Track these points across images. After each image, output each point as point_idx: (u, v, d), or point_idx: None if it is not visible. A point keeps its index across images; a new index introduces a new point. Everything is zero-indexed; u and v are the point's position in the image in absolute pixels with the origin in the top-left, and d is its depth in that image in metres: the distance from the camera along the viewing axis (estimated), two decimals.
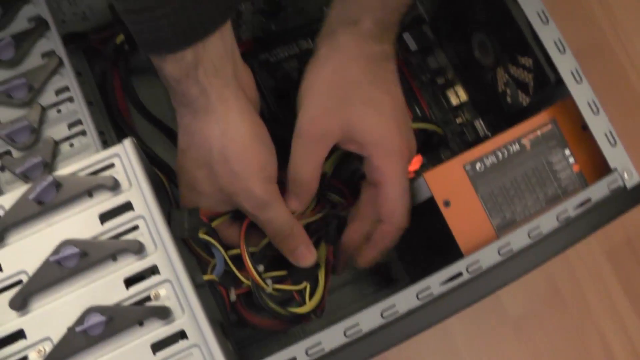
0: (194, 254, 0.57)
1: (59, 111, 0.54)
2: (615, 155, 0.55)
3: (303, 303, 0.58)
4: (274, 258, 0.58)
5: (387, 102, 0.54)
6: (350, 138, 0.54)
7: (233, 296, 0.57)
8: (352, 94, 0.53)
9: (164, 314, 0.46)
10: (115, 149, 0.50)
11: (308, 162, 0.54)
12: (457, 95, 0.75)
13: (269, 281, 0.56)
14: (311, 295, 0.59)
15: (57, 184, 0.48)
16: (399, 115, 0.55)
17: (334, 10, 0.56)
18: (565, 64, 0.56)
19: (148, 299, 0.47)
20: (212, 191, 0.53)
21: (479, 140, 0.73)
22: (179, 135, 0.53)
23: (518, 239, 0.52)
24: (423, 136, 0.69)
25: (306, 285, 0.58)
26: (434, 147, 0.72)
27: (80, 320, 0.45)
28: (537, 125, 0.58)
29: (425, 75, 0.76)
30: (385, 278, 0.71)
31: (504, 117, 0.68)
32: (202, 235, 0.54)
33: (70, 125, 0.53)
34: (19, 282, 0.46)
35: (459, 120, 0.75)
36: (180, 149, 0.54)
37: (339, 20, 0.55)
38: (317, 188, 0.56)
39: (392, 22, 0.54)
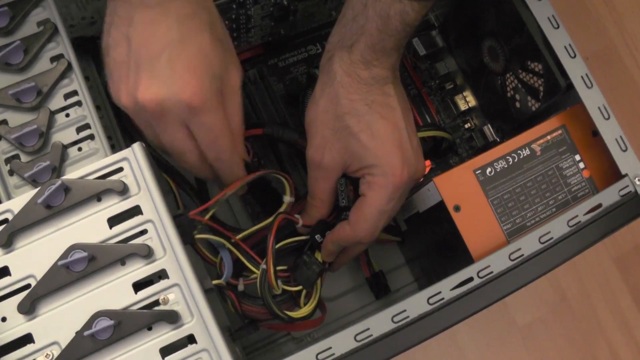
0: (200, 255, 0.57)
1: (67, 115, 0.53)
2: (626, 160, 0.55)
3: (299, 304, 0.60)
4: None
5: (381, 125, 0.54)
6: (351, 164, 0.55)
7: (241, 286, 0.58)
8: (347, 123, 0.54)
9: (172, 318, 0.46)
10: (124, 153, 0.49)
11: (317, 185, 0.57)
12: (466, 101, 0.75)
13: (279, 281, 0.57)
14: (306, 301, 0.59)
15: (66, 188, 0.47)
16: (396, 137, 0.54)
17: (335, 31, 0.56)
18: (575, 69, 0.56)
19: (157, 303, 0.47)
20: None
21: (487, 145, 0.73)
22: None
23: (529, 244, 0.51)
24: (431, 142, 0.69)
25: (302, 290, 0.59)
26: (442, 153, 0.72)
27: (89, 324, 0.45)
28: (547, 130, 0.58)
29: (434, 80, 0.76)
30: (382, 288, 0.71)
31: (512, 123, 0.68)
32: (212, 237, 0.55)
33: (79, 130, 0.53)
34: (28, 286, 0.46)
35: (467, 126, 0.75)
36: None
37: (337, 43, 0.55)
38: (331, 206, 0.58)
39: (389, 47, 0.53)
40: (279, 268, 0.58)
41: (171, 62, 0.49)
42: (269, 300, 0.56)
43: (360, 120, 0.53)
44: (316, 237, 0.59)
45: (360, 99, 0.53)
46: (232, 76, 0.52)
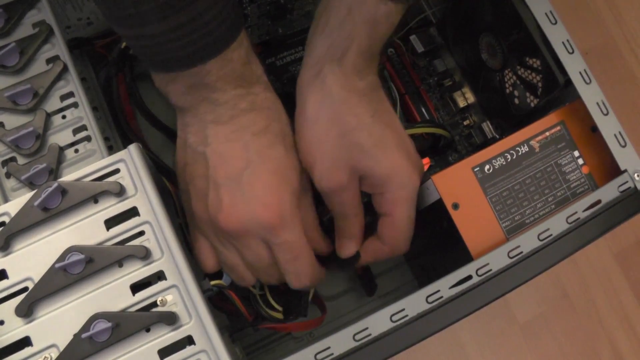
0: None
1: (63, 117, 0.53)
2: (625, 156, 0.54)
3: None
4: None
5: (389, 135, 0.52)
6: (363, 181, 0.53)
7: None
8: (358, 140, 0.51)
9: (170, 319, 0.46)
10: (121, 154, 0.49)
11: (347, 206, 0.54)
12: (465, 98, 0.74)
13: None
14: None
15: (63, 191, 0.47)
16: (403, 143, 0.53)
17: (317, 43, 0.52)
18: (574, 65, 0.56)
19: (155, 304, 0.47)
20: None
21: (486, 142, 0.72)
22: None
23: (528, 241, 0.51)
24: (430, 139, 0.68)
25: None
26: (441, 150, 0.72)
27: (86, 326, 0.45)
28: (545, 127, 0.57)
29: (432, 77, 0.76)
30: (369, 287, 0.71)
31: (511, 119, 0.68)
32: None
33: (75, 131, 0.53)
34: (25, 289, 0.46)
35: (466, 123, 0.75)
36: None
37: (323, 56, 0.51)
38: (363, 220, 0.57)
39: (377, 52, 0.52)
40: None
41: (250, 183, 0.49)
42: (258, 300, 0.57)
43: (371, 134, 0.51)
44: None
45: (365, 111, 0.51)
46: (303, 179, 0.53)
